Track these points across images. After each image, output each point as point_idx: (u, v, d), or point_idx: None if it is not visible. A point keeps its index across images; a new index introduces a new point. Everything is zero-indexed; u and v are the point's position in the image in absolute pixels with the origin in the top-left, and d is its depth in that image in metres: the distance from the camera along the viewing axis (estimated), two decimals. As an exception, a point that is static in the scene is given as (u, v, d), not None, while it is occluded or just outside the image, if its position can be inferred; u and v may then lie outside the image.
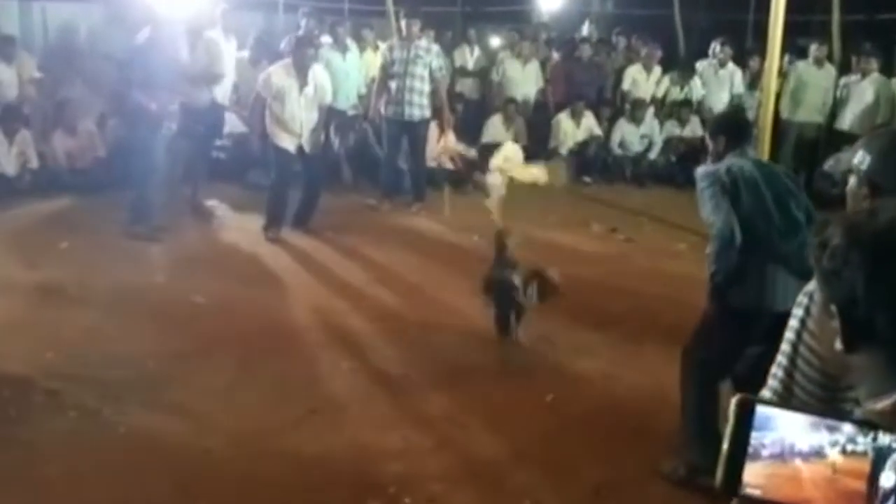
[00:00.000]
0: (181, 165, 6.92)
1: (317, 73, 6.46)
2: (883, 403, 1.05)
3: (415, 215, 7.44)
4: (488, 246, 5.06)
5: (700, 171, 3.43)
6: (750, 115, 8.95)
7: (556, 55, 10.12)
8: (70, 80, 7.81)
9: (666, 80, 9.51)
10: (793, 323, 1.69)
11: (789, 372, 1.67)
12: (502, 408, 3.98)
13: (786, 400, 1.66)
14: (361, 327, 4.88)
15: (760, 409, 1.02)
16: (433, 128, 7.93)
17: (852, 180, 1.85)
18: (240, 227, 6.76)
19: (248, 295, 5.26)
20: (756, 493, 1.00)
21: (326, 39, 8.45)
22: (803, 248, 3.16)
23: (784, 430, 0.99)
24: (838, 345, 1.11)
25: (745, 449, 1.00)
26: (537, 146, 9.25)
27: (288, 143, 6.39)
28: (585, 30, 10.79)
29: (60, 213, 6.64)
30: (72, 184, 7.27)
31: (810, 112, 8.84)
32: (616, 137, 9.25)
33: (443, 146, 8.02)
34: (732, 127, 3.61)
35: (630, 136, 9.24)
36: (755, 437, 1.00)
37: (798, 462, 0.98)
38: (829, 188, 8.47)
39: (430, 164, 8.13)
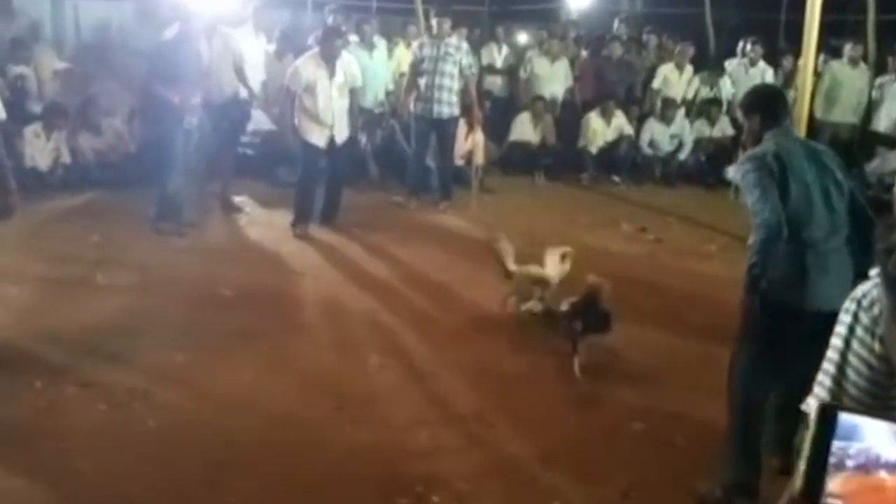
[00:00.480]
0: (207, 161, 6.92)
1: (345, 60, 6.45)
2: None
3: (442, 213, 7.42)
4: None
5: (744, 155, 3.20)
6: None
7: (584, 53, 10.05)
8: (101, 76, 7.89)
9: (696, 80, 9.40)
10: (840, 330, 1.64)
11: (837, 380, 1.62)
12: (532, 409, 3.95)
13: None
14: (389, 324, 4.87)
15: (844, 417, 0.98)
16: (462, 126, 7.91)
17: None
18: (268, 223, 6.79)
19: (275, 289, 5.28)
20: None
21: (353, 38, 8.45)
22: (844, 244, 3.05)
23: (869, 439, 0.95)
24: None
25: (827, 457, 0.97)
26: (566, 145, 9.22)
27: (317, 138, 6.38)
28: (615, 28, 10.69)
29: (91, 207, 6.69)
30: (102, 179, 7.34)
31: (844, 112, 8.71)
32: (646, 137, 9.16)
33: (471, 144, 8.00)
34: (767, 102, 3.29)
35: (660, 135, 9.15)
36: (838, 447, 0.96)
37: (884, 474, 0.94)
38: (863, 189, 8.37)
39: (458, 162, 8.12)
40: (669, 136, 9.15)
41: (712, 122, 9.23)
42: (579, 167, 9.09)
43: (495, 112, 9.33)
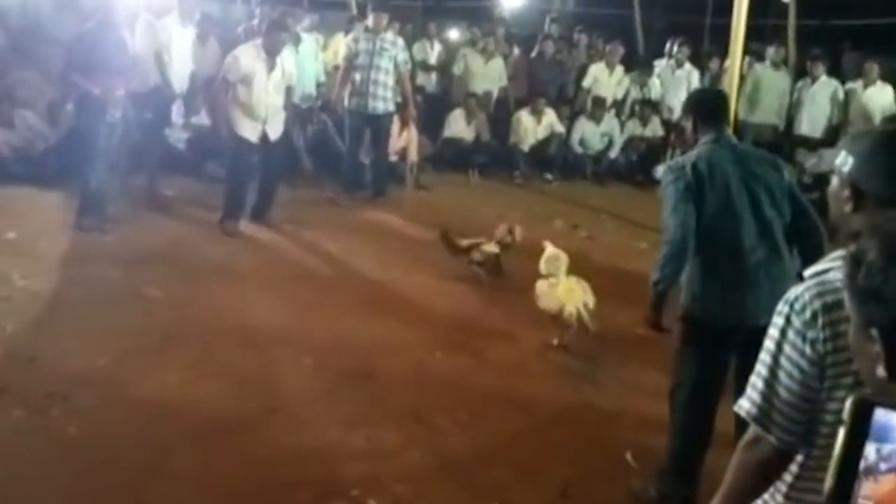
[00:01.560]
0: (131, 154, 6.67)
1: (284, 57, 6.32)
2: None
3: (375, 209, 7.33)
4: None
5: (668, 164, 3.22)
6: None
7: (517, 51, 10.10)
8: (18, 66, 7.52)
9: (627, 80, 9.56)
10: (773, 332, 1.62)
11: (769, 384, 1.60)
12: (469, 408, 3.92)
13: (766, 413, 1.60)
14: (324, 324, 4.77)
15: (881, 414, 0.93)
16: (395, 122, 7.84)
17: (834, 181, 1.76)
18: (196, 220, 6.58)
19: (204, 289, 5.11)
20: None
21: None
22: (777, 254, 3.00)
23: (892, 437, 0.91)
24: (881, 371, 1.04)
25: (860, 456, 0.92)
26: (500, 142, 9.26)
27: (250, 132, 6.21)
28: (546, 27, 10.78)
29: (7, 203, 6.35)
30: (19, 173, 6.98)
31: (767, 114, 8.98)
32: (577, 135, 9.28)
33: (405, 140, 7.95)
34: (702, 105, 3.28)
35: (591, 134, 9.27)
36: (873, 448, 0.91)
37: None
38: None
39: (392, 158, 8.05)
40: (600, 134, 9.29)
41: (644, 121, 9.40)
42: (513, 165, 9.13)
43: (428, 109, 9.29)
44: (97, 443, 3.34)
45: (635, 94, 9.54)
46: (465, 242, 5.72)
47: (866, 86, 8.63)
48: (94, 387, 3.78)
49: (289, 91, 6.40)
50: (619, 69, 9.54)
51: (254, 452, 3.37)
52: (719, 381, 3.08)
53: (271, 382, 3.99)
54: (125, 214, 6.31)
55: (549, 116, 9.22)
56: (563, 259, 4.78)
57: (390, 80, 7.31)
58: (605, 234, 7.19)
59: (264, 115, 6.18)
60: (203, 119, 7.72)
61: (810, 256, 2.62)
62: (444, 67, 9.96)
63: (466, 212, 7.39)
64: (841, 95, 8.71)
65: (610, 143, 9.31)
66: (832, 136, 8.75)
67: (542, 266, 4.78)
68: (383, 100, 7.31)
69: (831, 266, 1.57)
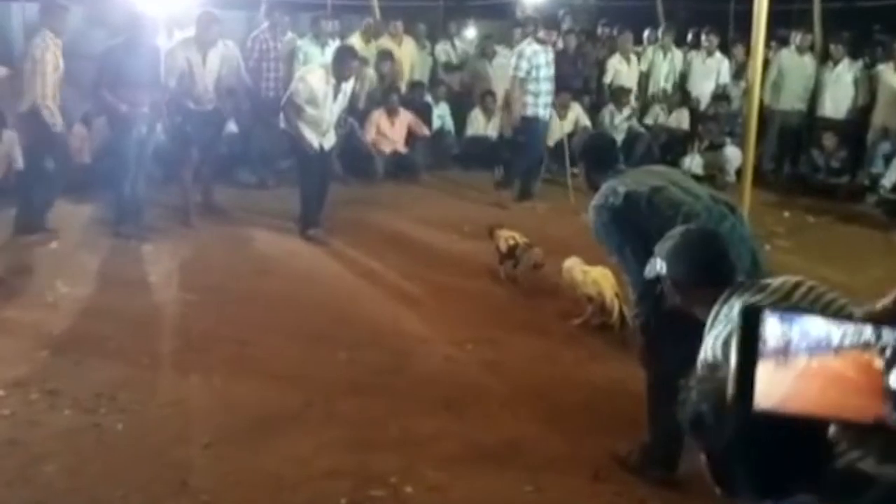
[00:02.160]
0: (190, 168, 6.77)
1: (348, 85, 6.39)
2: (882, 303, 1.08)
3: (403, 211, 7.43)
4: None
5: (591, 207, 3.22)
6: (735, 104, 9.06)
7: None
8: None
9: (650, 52, 9.55)
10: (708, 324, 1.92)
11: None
12: (500, 396, 4.01)
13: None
14: (354, 320, 4.88)
15: (769, 316, 0.97)
16: (382, 113, 8.38)
17: (665, 284, 2.25)
18: (228, 224, 6.73)
19: (241, 291, 5.25)
20: (769, 405, 0.96)
21: (290, 36, 8.45)
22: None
23: (795, 332, 0.96)
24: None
25: (755, 361, 0.96)
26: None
27: (311, 137, 6.24)
28: (565, 23, 10.79)
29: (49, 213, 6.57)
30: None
31: (793, 100, 8.91)
32: (603, 126, 9.26)
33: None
34: (588, 153, 3.53)
35: (618, 122, 9.23)
36: (766, 342, 0.96)
37: (808, 362, 0.95)
38: (812, 174, 8.61)
39: (402, 149, 8.53)
40: (625, 119, 9.24)
41: (671, 108, 9.37)
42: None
43: (453, 108, 9.40)
44: (144, 439, 3.49)
45: (659, 63, 9.48)
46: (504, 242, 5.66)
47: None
48: (138, 387, 3.94)
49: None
50: (635, 57, 9.55)
51: (293, 444, 3.49)
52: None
53: (307, 378, 4.11)
54: (161, 223, 6.47)
55: (575, 111, 9.23)
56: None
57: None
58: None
59: (323, 130, 6.31)
60: (231, 127, 7.87)
61: None
62: (465, 67, 10.04)
63: (491, 207, 7.48)
64: (863, 77, 8.63)
65: (636, 136, 9.27)
66: (857, 118, 8.68)
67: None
68: (544, 107, 7.74)
69: (712, 325, 2.06)
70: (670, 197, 3.06)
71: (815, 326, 0.97)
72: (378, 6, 10.28)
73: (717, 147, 8.84)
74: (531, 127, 7.72)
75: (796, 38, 8.96)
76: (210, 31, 6.40)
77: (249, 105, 8.01)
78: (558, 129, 9.19)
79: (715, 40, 9.39)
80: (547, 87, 7.68)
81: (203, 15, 6.51)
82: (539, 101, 7.64)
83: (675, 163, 8.82)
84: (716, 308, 2.07)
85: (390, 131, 8.56)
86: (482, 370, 4.30)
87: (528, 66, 7.54)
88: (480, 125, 9.22)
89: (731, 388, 0.98)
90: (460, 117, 9.39)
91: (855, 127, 8.71)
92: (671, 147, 9.21)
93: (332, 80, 6.12)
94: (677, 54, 9.61)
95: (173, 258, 5.84)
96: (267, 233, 6.55)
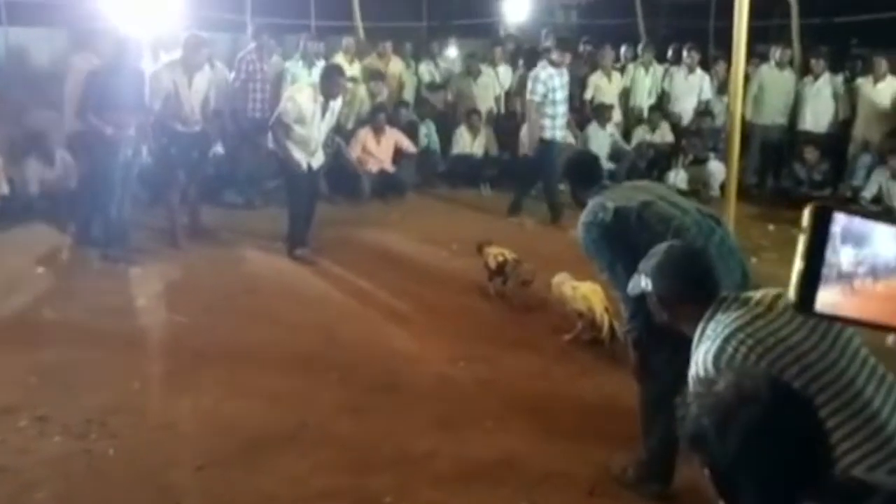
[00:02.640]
0: (177, 190, 6.72)
1: (336, 104, 6.39)
2: None
3: (391, 229, 7.44)
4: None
5: (580, 224, 3.25)
6: (718, 120, 9.17)
7: (520, 67, 10.17)
8: (34, 105, 7.71)
9: (630, 69, 9.64)
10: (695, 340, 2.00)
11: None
12: (493, 413, 4.01)
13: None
14: (345, 339, 4.88)
15: (839, 217, 0.96)
16: (369, 132, 8.46)
17: (651, 300, 2.30)
18: (217, 245, 6.71)
19: (231, 312, 5.23)
20: (830, 311, 0.95)
21: (276, 58, 8.49)
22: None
23: (865, 242, 0.95)
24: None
25: (821, 262, 0.94)
26: (510, 154, 9.35)
27: (300, 156, 6.25)
28: (543, 39, 10.88)
29: (34, 238, 6.52)
30: (44, 209, 7.15)
31: (773, 114, 9.02)
32: (588, 143, 9.32)
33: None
34: (572, 170, 3.59)
35: (602, 139, 9.29)
36: (832, 252, 0.94)
37: (873, 280, 0.94)
38: (795, 187, 8.70)
39: (390, 168, 8.56)
40: (608, 136, 9.30)
41: (653, 127, 9.46)
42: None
43: (438, 127, 9.45)
44: (136, 463, 3.46)
45: (641, 78, 9.58)
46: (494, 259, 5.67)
47: (876, 81, 8.66)
48: (129, 411, 3.91)
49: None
50: (616, 73, 9.64)
51: (288, 465, 3.47)
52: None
53: (300, 398, 4.09)
54: (149, 245, 6.45)
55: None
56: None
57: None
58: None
59: (311, 149, 6.32)
60: (218, 148, 7.86)
61: None
62: (448, 86, 10.10)
63: (479, 224, 7.50)
64: (842, 91, 8.77)
65: (620, 152, 9.34)
66: (838, 131, 8.80)
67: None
68: (561, 129, 7.74)
69: (700, 340, 2.10)
70: (659, 212, 3.09)
71: (883, 236, 0.96)
72: (362, 27, 10.36)
73: (700, 162, 8.93)
74: (548, 149, 7.73)
75: (776, 53, 9.09)
76: (198, 53, 6.40)
77: (235, 126, 8.03)
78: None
79: (696, 57, 9.50)
80: (562, 109, 7.70)
81: (190, 38, 6.50)
82: (556, 124, 7.65)
83: (660, 178, 8.90)
84: (702, 324, 2.09)
85: (377, 150, 8.60)
86: (475, 387, 4.30)
87: (545, 90, 7.56)
88: (466, 143, 9.28)
89: (793, 290, 0.96)
90: (445, 136, 9.44)
91: (836, 140, 8.83)
92: (656, 162, 9.29)
93: (321, 99, 6.14)
94: (658, 70, 9.72)
95: (162, 280, 5.81)
96: (255, 253, 6.54)
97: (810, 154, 8.57)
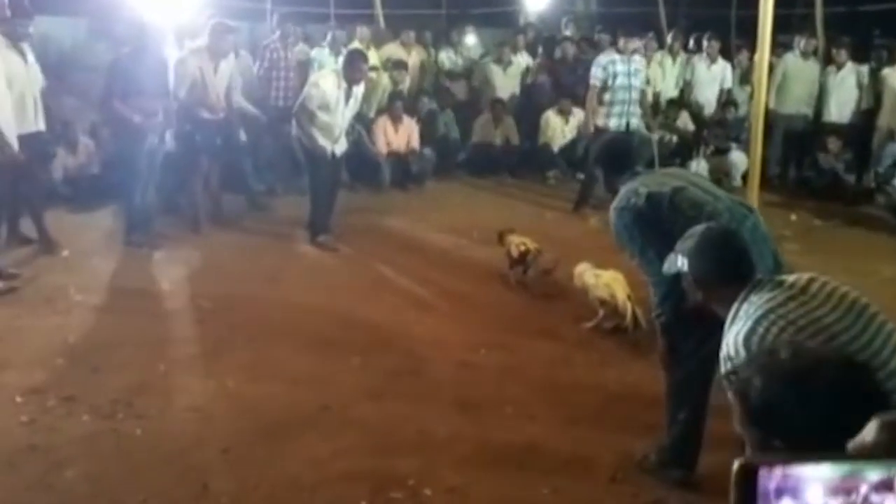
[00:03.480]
0: (200, 176, 6.78)
1: (359, 90, 6.39)
2: (854, 443, 1.12)
3: (411, 217, 7.45)
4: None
5: (612, 209, 3.22)
6: (741, 110, 9.10)
7: (540, 55, 10.13)
8: (57, 94, 7.79)
9: (658, 57, 9.56)
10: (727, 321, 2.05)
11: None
12: (514, 399, 4.02)
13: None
14: (367, 325, 4.90)
15: (763, 473, 0.95)
16: (386, 120, 8.43)
17: (684, 279, 2.33)
18: (238, 232, 6.76)
19: (253, 297, 5.27)
20: None
21: (301, 46, 8.50)
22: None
23: (801, 491, 0.94)
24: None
25: None
26: (530, 143, 9.34)
27: (324, 142, 6.27)
28: (567, 29, 10.83)
29: (58, 223, 6.59)
30: (67, 195, 7.24)
31: (797, 104, 8.95)
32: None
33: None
34: (605, 157, 3.54)
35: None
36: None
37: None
38: (816, 178, 8.64)
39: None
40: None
41: (673, 118, 9.40)
42: (544, 166, 9.21)
43: (458, 115, 9.44)
44: (163, 443, 3.50)
45: (669, 67, 9.50)
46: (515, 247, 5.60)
47: (899, 68, 8.56)
48: (155, 392, 3.96)
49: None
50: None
51: (311, 448, 3.50)
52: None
53: (322, 382, 4.12)
54: (172, 231, 6.50)
55: (578, 116, 9.27)
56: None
57: (639, 99, 7.68)
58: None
59: (335, 136, 6.32)
60: (242, 136, 7.88)
61: None
62: (469, 75, 10.09)
63: (500, 212, 7.51)
64: (866, 80, 8.67)
65: (644, 140, 9.27)
66: (861, 121, 8.72)
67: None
68: (637, 117, 7.68)
69: (732, 321, 2.12)
70: (692, 197, 3.08)
71: (813, 472, 0.95)
72: (382, 15, 10.36)
73: (722, 152, 8.88)
74: (599, 137, 7.60)
75: (800, 42, 9.00)
76: (224, 41, 6.42)
77: (258, 113, 8.06)
78: (561, 135, 9.25)
79: (717, 46, 9.42)
80: (623, 96, 7.48)
81: (217, 25, 6.52)
82: (612, 111, 7.50)
83: (682, 167, 8.86)
84: (735, 305, 2.10)
85: (394, 137, 8.61)
86: (496, 374, 4.30)
87: (604, 76, 7.44)
88: (488, 132, 9.25)
89: None
90: (464, 124, 9.42)
91: (860, 130, 8.74)
92: (677, 152, 9.25)
93: (343, 85, 6.13)
94: (683, 59, 9.64)
95: (185, 266, 5.86)
96: (277, 240, 6.58)
97: (833, 144, 8.50)
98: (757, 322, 1.99)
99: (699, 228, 2.44)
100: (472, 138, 9.34)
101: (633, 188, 3.18)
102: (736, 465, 0.97)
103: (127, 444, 3.48)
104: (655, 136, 8.90)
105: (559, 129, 9.27)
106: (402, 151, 8.64)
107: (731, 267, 2.23)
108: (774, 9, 6.45)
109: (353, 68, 6.17)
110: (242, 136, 7.86)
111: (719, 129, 8.97)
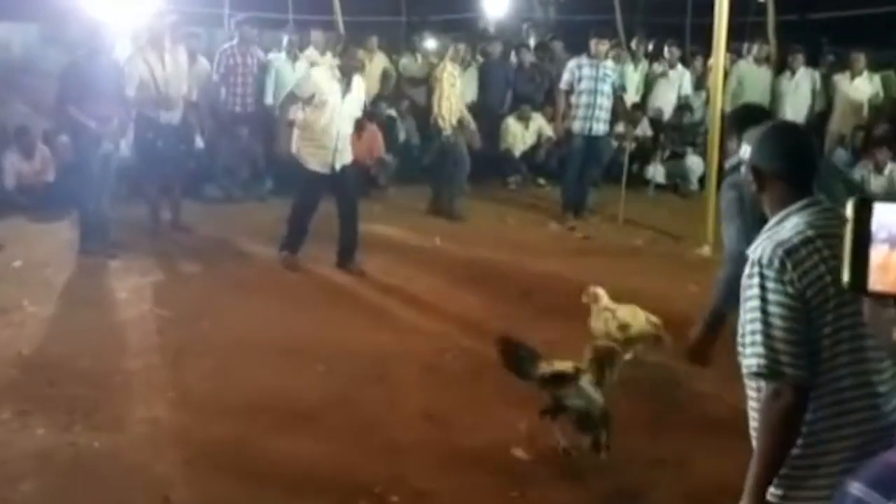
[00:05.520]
0: (156, 183, 6.64)
1: (358, 81, 5.89)
2: None
3: (374, 224, 7.41)
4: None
5: (728, 181, 3.15)
6: (697, 114, 9.26)
7: (481, 60, 10.05)
8: (8, 100, 7.62)
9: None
10: (752, 292, 1.86)
11: (768, 334, 1.81)
12: (480, 404, 4.01)
13: (775, 360, 1.80)
14: (331, 332, 4.85)
15: (879, 207, 1.07)
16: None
17: (744, 170, 2.16)
18: (198, 240, 6.65)
19: (214, 306, 5.18)
20: (882, 289, 1.06)
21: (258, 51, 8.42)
22: None
23: None
24: None
25: (868, 247, 1.06)
26: (491, 149, 9.34)
27: (318, 164, 5.73)
28: (529, 37, 10.89)
29: (11, 232, 6.43)
30: (21, 203, 7.06)
31: (751, 109, 9.12)
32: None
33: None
34: (746, 120, 3.16)
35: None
36: (879, 237, 1.06)
37: None
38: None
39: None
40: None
41: (634, 124, 9.50)
42: (505, 172, 9.24)
43: (419, 121, 9.41)
44: (122, 456, 3.43)
45: (633, 88, 9.59)
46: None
47: (853, 76, 8.78)
48: (113, 404, 3.88)
49: (356, 122, 6.05)
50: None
51: (275, 457, 3.45)
52: None
53: (287, 391, 4.07)
54: (129, 239, 6.36)
55: (538, 121, 9.34)
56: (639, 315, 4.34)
57: (609, 105, 7.56)
58: (600, 235, 7.30)
59: (334, 143, 5.69)
60: (199, 143, 7.79)
61: None
62: (429, 80, 10.05)
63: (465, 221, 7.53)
64: (819, 85, 8.90)
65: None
66: (816, 123, 8.93)
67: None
68: (604, 122, 7.58)
69: (770, 233, 1.93)
70: None
71: None
72: (342, 21, 10.31)
73: (679, 156, 9.01)
74: (569, 140, 7.80)
75: (753, 48, 9.19)
76: (158, 27, 6.23)
77: (213, 119, 7.96)
78: (521, 140, 9.30)
79: (677, 53, 9.57)
80: (588, 100, 7.47)
81: (155, 19, 6.45)
82: (578, 114, 7.52)
83: (639, 172, 8.98)
84: (784, 212, 1.97)
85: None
86: (461, 378, 4.29)
87: (570, 79, 7.52)
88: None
89: (845, 274, 1.07)
90: (425, 130, 9.39)
91: (813, 133, 8.95)
92: (635, 157, 9.34)
93: (338, 75, 5.68)
94: (645, 66, 9.75)
95: (143, 275, 5.74)
96: (236, 247, 6.48)
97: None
98: (804, 243, 1.86)
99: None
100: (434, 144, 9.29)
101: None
102: (853, 200, 1.09)
103: (85, 458, 3.39)
104: (615, 143, 9.00)
105: (519, 135, 9.31)
106: (365, 160, 8.55)
107: (794, 160, 2.03)
108: (728, 17, 6.60)
109: (349, 56, 5.85)
110: (199, 142, 7.78)
111: (675, 133, 9.11)
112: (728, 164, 3.34)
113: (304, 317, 5.08)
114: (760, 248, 1.89)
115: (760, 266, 1.85)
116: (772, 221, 1.97)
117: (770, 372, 1.80)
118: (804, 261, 1.84)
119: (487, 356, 4.53)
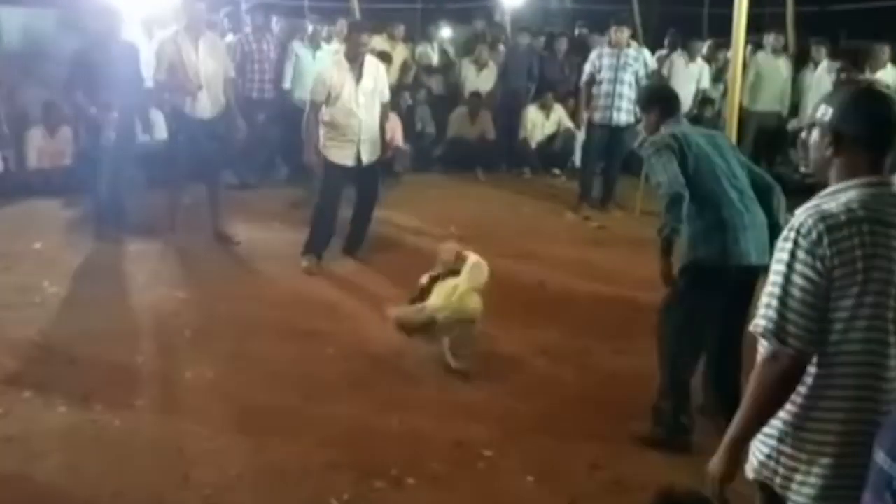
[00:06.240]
0: (179, 172, 6.28)
1: (371, 63, 5.58)
2: None
3: (387, 211, 7.43)
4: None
5: (646, 142, 3.62)
6: (715, 107, 9.19)
7: (502, 49, 10.02)
8: (27, 85, 7.67)
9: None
10: (781, 256, 1.86)
11: (784, 300, 1.83)
12: (497, 390, 4.03)
13: (782, 327, 1.82)
14: (349, 316, 4.89)
15: None
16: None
17: (815, 133, 1.99)
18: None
19: (230, 290, 5.22)
20: None
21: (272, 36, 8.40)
22: (753, 203, 3.46)
23: None
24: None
25: None
26: (506, 138, 9.34)
27: (342, 157, 5.56)
28: (554, 26, 10.83)
29: (30, 215, 6.48)
30: (39, 187, 7.12)
31: (770, 102, 9.04)
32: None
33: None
34: (664, 98, 3.80)
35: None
36: None
37: None
38: (791, 174, 8.76)
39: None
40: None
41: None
42: (520, 161, 9.23)
43: (434, 110, 9.42)
44: (142, 434, 3.47)
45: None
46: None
47: (875, 69, 8.67)
48: (134, 384, 3.92)
49: (383, 109, 5.68)
50: None
51: (294, 439, 3.48)
52: (711, 318, 3.51)
53: (303, 372, 4.10)
54: (146, 224, 6.39)
55: (558, 112, 9.32)
56: (484, 270, 4.35)
57: (632, 94, 7.36)
58: (616, 225, 7.29)
59: (358, 136, 5.51)
60: (241, 126, 7.71)
61: (772, 208, 3.50)
62: (445, 69, 10.06)
63: (476, 208, 7.53)
64: (843, 77, 8.79)
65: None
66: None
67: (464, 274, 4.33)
68: (626, 112, 7.43)
69: (821, 201, 1.89)
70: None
71: None
72: (358, 8, 10.31)
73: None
74: (588, 130, 7.76)
75: (769, 39, 9.10)
76: (196, 12, 5.86)
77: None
78: (540, 130, 9.29)
79: (699, 45, 9.49)
80: (608, 89, 7.41)
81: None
82: (598, 104, 7.47)
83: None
84: (843, 184, 1.89)
85: None
86: (477, 364, 4.30)
87: (591, 69, 7.46)
88: (464, 127, 9.22)
89: None
90: (440, 119, 9.40)
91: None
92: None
93: (347, 64, 5.46)
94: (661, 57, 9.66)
95: (161, 259, 5.78)
96: (251, 233, 6.50)
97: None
98: (849, 223, 1.83)
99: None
100: (448, 133, 9.31)
101: (672, 133, 3.51)
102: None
103: (105, 435, 3.44)
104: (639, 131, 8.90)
105: (539, 123, 9.29)
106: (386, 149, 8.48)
107: (882, 128, 1.92)
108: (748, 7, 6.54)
109: (351, 42, 5.51)
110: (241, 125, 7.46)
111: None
112: (641, 138, 3.81)
113: (318, 301, 5.10)
114: (804, 214, 1.86)
115: (798, 233, 1.84)
116: (829, 189, 1.91)
117: (775, 335, 1.82)
118: (843, 240, 1.81)
119: (503, 342, 4.58)
